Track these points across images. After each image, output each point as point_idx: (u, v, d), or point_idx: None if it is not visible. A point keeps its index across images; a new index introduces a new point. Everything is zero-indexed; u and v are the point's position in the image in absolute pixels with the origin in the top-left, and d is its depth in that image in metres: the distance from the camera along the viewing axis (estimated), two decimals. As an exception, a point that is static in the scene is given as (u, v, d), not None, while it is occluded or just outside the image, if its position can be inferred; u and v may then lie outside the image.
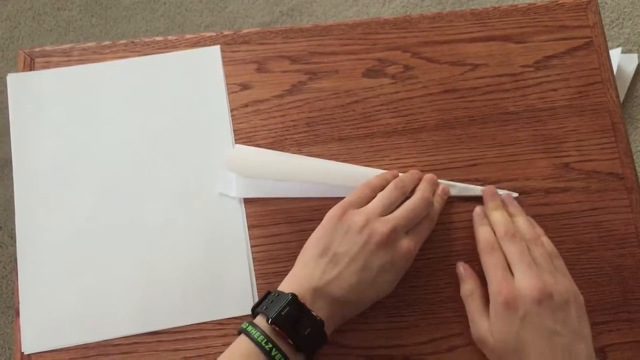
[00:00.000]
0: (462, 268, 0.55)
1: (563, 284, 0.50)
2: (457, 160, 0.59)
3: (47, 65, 0.62)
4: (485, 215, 0.56)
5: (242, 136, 0.60)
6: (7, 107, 0.61)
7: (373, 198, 0.53)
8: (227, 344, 0.53)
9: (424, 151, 0.59)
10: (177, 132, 0.60)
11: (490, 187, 0.57)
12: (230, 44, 0.63)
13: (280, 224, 0.58)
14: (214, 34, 0.63)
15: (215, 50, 0.62)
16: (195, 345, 0.55)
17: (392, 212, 0.52)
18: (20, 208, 0.58)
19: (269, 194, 0.58)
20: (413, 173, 0.57)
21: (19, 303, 0.55)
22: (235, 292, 0.56)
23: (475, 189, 0.58)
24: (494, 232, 0.54)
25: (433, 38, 0.63)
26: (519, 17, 0.63)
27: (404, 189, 0.54)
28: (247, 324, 0.47)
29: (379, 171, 0.58)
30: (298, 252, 0.56)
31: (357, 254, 0.49)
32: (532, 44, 0.63)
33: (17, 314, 0.55)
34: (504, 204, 0.56)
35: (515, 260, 0.51)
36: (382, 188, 0.54)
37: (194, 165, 0.59)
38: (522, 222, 0.55)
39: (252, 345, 0.46)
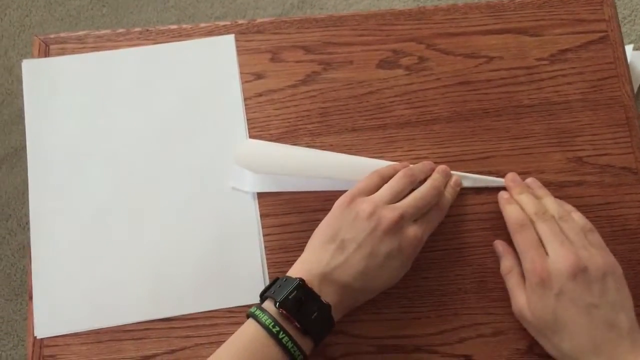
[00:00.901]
0: (500, 246, 0.56)
1: (599, 256, 0.50)
2: (470, 153, 0.59)
3: (61, 52, 0.62)
4: (510, 197, 0.56)
5: (256, 126, 0.60)
6: (19, 96, 0.61)
7: (380, 187, 0.54)
8: (236, 323, 0.53)
9: (437, 143, 0.59)
10: (191, 121, 0.60)
11: (512, 174, 0.57)
12: (244, 33, 0.63)
13: (292, 214, 0.58)
14: (228, 23, 0.63)
15: (229, 39, 0.62)
16: (206, 332, 0.55)
17: (400, 200, 0.52)
18: (34, 193, 0.58)
19: (281, 188, 0.58)
20: (425, 164, 0.57)
21: (32, 288, 0.56)
22: (246, 281, 0.56)
23: (490, 180, 0.58)
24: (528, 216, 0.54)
25: (448, 30, 0.63)
26: (535, 10, 0.63)
27: (412, 177, 0.54)
28: (255, 308, 0.48)
29: (392, 163, 0.58)
30: (310, 242, 0.56)
31: (365, 241, 0.49)
32: (547, 37, 0.62)
33: (31, 298, 0.56)
34: (529, 188, 0.56)
35: (548, 238, 0.51)
36: (391, 177, 0.55)
37: (207, 154, 0.59)
38: (550, 201, 0.55)
39: (260, 328, 0.46)
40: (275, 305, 0.47)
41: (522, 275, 0.53)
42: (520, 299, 0.52)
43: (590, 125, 0.60)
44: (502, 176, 0.58)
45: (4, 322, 1.35)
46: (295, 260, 0.53)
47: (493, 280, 0.56)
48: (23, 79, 0.61)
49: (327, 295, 0.48)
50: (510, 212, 0.54)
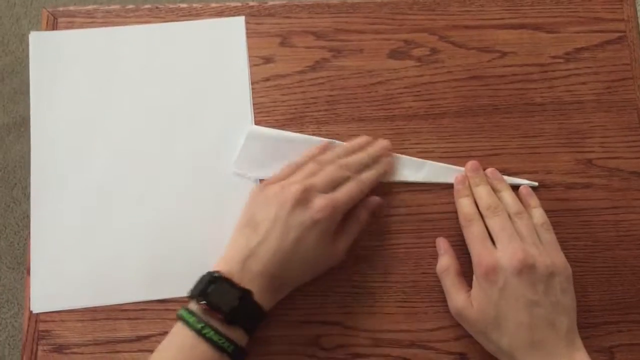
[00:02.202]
0: (441, 243, 0.55)
1: (549, 255, 0.50)
2: (477, 149, 0.58)
3: (70, 26, 0.61)
4: (466, 187, 0.56)
5: (262, 111, 0.59)
6: (27, 66, 0.61)
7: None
8: None
9: (444, 137, 0.59)
10: (196, 103, 0.60)
11: (473, 163, 0.56)
12: (255, 16, 0.62)
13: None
14: (239, 4, 0.62)
15: (239, 21, 0.61)
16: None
17: None
18: (35, 168, 0.58)
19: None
20: (337, 154, 0.55)
21: (30, 262, 0.56)
22: None
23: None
24: (477, 206, 0.54)
25: (462, 22, 0.62)
26: (553, 6, 0.62)
27: (321, 164, 0.53)
28: (182, 309, 0.48)
29: (396, 155, 0.58)
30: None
31: (276, 216, 0.49)
32: (563, 35, 0.61)
33: (28, 272, 0.56)
34: (487, 179, 0.56)
35: (497, 233, 0.51)
36: (302, 163, 0.54)
37: (211, 137, 0.59)
38: (507, 196, 0.54)
39: (186, 328, 0.46)
40: (195, 301, 0.47)
41: (458, 275, 0.53)
42: (459, 297, 0.51)
43: (601, 127, 0.59)
44: (509, 175, 0.57)
45: (5, 289, 1.36)
46: None
47: (493, 280, 0.55)
48: (30, 51, 0.61)
49: (250, 280, 0.48)
50: (461, 206, 0.54)
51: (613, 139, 0.59)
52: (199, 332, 0.45)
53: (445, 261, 0.54)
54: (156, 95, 0.60)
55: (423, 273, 0.56)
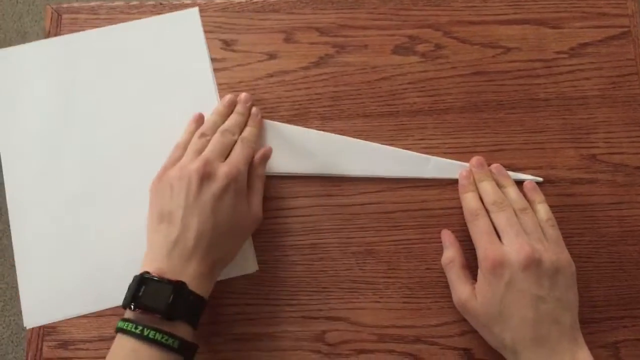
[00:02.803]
0: (446, 235, 0.56)
1: (554, 252, 0.50)
2: (482, 145, 0.58)
3: (74, 22, 0.62)
4: (471, 182, 0.56)
5: (266, 106, 0.59)
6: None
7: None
8: (237, 313, 0.55)
9: (448, 133, 0.58)
10: (161, 100, 0.60)
11: (478, 159, 0.56)
12: (259, 12, 0.62)
13: (299, 198, 0.57)
14: (242, 0, 0.62)
15: (194, 13, 0.61)
16: (206, 312, 0.55)
17: None
18: (9, 186, 0.58)
19: (289, 171, 0.58)
20: (214, 121, 0.56)
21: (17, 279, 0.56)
22: (228, 268, 0.54)
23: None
24: (482, 202, 0.54)
25: (466, 18, 0.61)
26: (556, 2, 0.62)
27: (206, 137, 0.54)
28: (118, 322, 0.46)
29: (401, 151, 0.58)
30: (315, 226, 0.56)
31: (186, 199, 0.49)
32: (567, 30, 0.61)
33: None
34: (492, 175, 0.56)
35: (503, 228, 0.51)
36: (186, 141, 0.55)
37: (179, 133, 0.57)
38: (512, 191, 0.54)
39: (128, 337, 0.45)
40: (130, 308, 0.45)
41: (463, 267, 0.53)
42: (463, 289, 0.51)
43: (606, 122, 0.59)
44: (514, 170, 0.57)
45: (8, 287, 1.37)
46: (300, 244, 0.54)
47: (497, 275, 0.55)
48: None
49: (181, 272, 0.47)
50: (466, 201, 0.54)
51: (617, 134, 0.58)
52: (140, 337, 0.44)
53: (451, 253, 0.54)
54: (119, 96, 0.60)
55: (427, 269, 0.56)
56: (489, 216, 0.52)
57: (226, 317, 0.55)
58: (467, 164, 0.57)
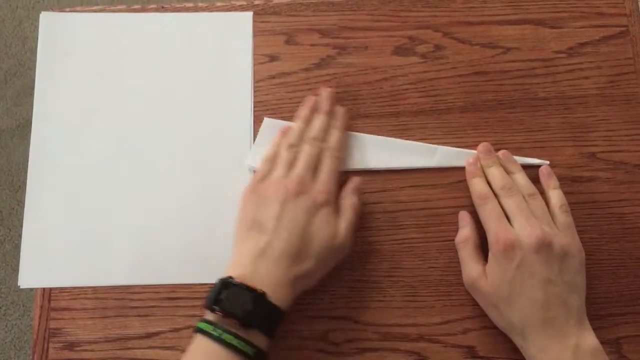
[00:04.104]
0: (463, 215, 0.56)
1: (564, 236, 0.51)
2: (482, 144, 0.59)
3: (76, 26, 0.62)
4: (479, 168, 0.56)
5: (268, 108, 0.60)
6: (32, 67, 0.61)
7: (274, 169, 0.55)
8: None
9: (449, 132, 0.59)
10: (198, 94, 0.60)
11: (485, 145, 0.57)
12: (260, 14, 0.62)
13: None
14: (244, 2, 0.63)
15: (247, 17, 0.62)
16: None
17: None
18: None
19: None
20: (299, 130, 0.56)
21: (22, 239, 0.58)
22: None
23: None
24: (491, 188, 0.54)
25: (465, 18, 0.62)
26: (555, 2, 0.62)
27: (293, 148, 0.55)
28: (199, 322, 0.47)
29: (407, 141, 0.58)
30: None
31: (280, 211, 0.50)
32: (566, 30, 0.62)
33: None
34: (500, 160, 0.56)
35: (514, 213, 0.51)
36: (276, 154, 0.55)
37: (209, 129, 0.59)
38: (520, 177, 0.55)
39: (207, 339, 0.46)
40: (210, 310, 0.47)
41: (477, 247, 0.53)
42: (474, 267, 0.52)
43: (605, 120, 0.59)
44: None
45: (10, 291, 1.37)
46: None
47: (500, 273, 0.56)
48: (39, 32, 0.62)
49: (263, 281, 0.48)
50: (475, 186, 0.55)
51: (617, 132, 0.59)
52: (218, 340, 0.45)
53: (466, 232, 0.54)
54: (159, 84, 0.61)
55: (430, 267, 0.56)
56: (499, 199, 0.53)
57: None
58: (474, 152, 0.57)
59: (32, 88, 0.61)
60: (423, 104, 0.60)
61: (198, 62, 0.61)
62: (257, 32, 0.62)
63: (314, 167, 0.54)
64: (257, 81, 0.60)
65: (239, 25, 0.62)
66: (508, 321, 0.50)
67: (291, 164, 0.54)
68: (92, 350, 0.55)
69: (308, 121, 0.57)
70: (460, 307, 0.55)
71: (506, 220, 0.51)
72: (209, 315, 0.47)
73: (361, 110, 0.60)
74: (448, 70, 0.61)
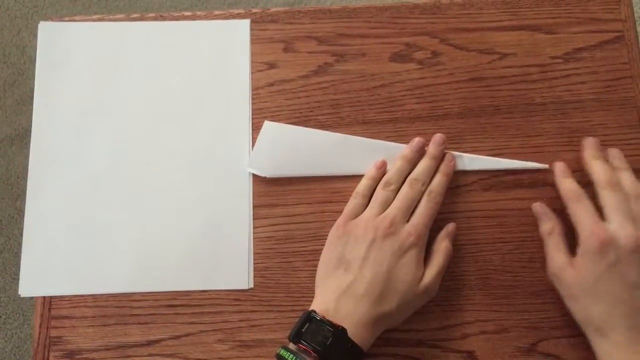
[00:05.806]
0: (539, 207, 0.56)
1: None
2: (480, 149, 0.59)
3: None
4: (568, 170, 0.55)
5: (266, 115, 0.60)
6: (31, 76, 0.62)
7: (365, 204, 0.55)
8: (241, 320, 0.55)
9: (447, 138, 0.59)
10: (196, 101, 0.61)
11: (593, 139, 0.56)
12: (258, 22, 0.63)
13: (301, 204, 0.58)
14: (242, 11, 0.63)
15: (244, 24, 0.62)
16: (211, 319, 0.56)
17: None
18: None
19: (297, 173, 0.59)
20: (400, 169, 0.56)
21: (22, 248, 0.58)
22: (230, 267, 0.57)
23: (486, 160, 0.58)
24: (594, 181, 0.53)
25: (462, 25, 0.62)
26: (551, 8, 0.63)
27: (390, 187, 0.55)
28: (280, 348, 0.49)
29: (402, 146, 0.58)
30: (317, 232, 0.57)
31: (367, 252, 0.51)
32: (562, 35, 0.62)
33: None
34: (607, 156, 0.55)
35: (613, 210, 0.50)
36: (371, 189, 0.56)
37: (208, 137, 0.60)
38: (628, 176, 0.53)
39: None
40: (292, 342, 0.48)
41: (563, 236, 0.53)
42: (561, 257, 0.51)
43: (602, 125, 0.60)
44: (511, 175, 0.58)
45: (10, 300, 1.37)
46: (302, 251, 0.56)
47: (498, 278, 0.56)
48: (38, 41, 0.62)
49: (345, 318, 0.49)
50: (567, 184, 0.54)
51: (613, 137, 0.59)
52: None
53: (551, 222, 0.54)
54: (157, 91, 0.61)
55: (429, 272, 0.56)
56: (599, 192, 0.52)
57: (231, 324, 0.55)
58: (471, 156, 0.58)
59: (31, 97, 0.61)
60: (420, 110, 0.60)
61: (196, 70, 0.62)
62: (255, 40, 0.62)
63: (409, 210, 0.54)
64: (255, 89, 0.61)
65: (237, 33, 0.62)
66: (587, 314, 0.49)
67: (385, 203, 0.54)
68: (92, 359, 0.55)
69: (410, 161, 0.56)
70: (459, 313, 0.55)
71: (601, 220, 0.50)
72: (291, 346, 0.49)
73: (359, 117, 0.60)
74: (445, 76, 0.61)
